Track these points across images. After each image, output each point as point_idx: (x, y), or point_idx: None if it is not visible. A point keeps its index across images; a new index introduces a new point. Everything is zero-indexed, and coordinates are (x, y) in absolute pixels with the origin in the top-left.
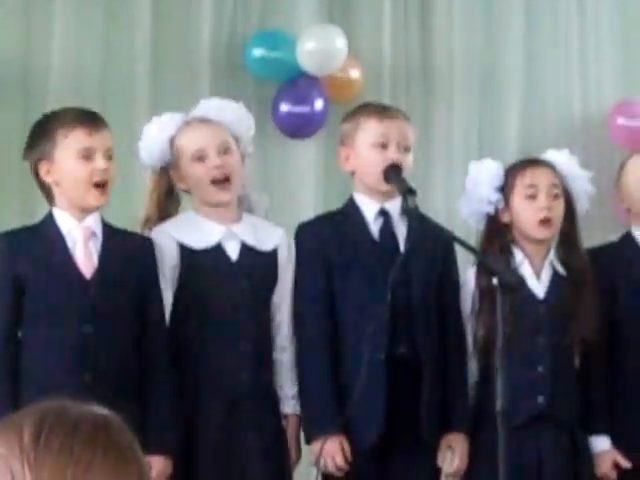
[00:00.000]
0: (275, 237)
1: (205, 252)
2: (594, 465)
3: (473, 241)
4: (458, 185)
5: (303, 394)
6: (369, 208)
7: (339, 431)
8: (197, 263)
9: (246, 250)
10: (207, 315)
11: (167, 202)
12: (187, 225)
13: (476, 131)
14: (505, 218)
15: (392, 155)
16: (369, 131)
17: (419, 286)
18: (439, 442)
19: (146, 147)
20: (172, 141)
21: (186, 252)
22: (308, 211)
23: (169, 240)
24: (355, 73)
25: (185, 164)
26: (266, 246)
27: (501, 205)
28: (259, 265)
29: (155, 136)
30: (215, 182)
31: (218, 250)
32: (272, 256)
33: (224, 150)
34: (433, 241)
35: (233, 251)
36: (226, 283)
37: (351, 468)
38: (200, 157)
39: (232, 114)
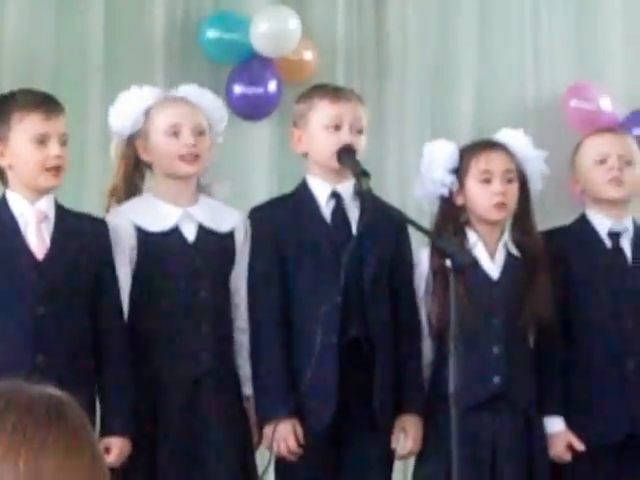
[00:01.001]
0: (232, 219)
1: (162, 235)
2: (548, 446)
3: (426, 223)
4: (411, 167)
5: (255, 377)
6: (321, 190)
7: (292, 415)
8: (154, 245)
9: (203, 232)
10: (165, 297)
11: (134, 173)
12: (144, 207)
13: (429, 113)
14: (459, 200)
15: (345, 137)
16: (322, 112)
17: (371, 268)
18: (393, 424)
19: (120, 112)
20: (147, 112)
21: (143, 234)
22: (262, 192)
23: (126, 222)
24: (309, 55)
25: (157, 135)
26: (223, 228)
27: (455, 187)
28: (216, 246)
29: (132, 103)
30: (183, 158)
31: (175, 232)
32: (229, 237)
33: (199, 132)
34: (386, 223)
35: (190, 233)
36: (184, 265)
37: (304, 452)
38: (174, 132)
39: (209, 102)
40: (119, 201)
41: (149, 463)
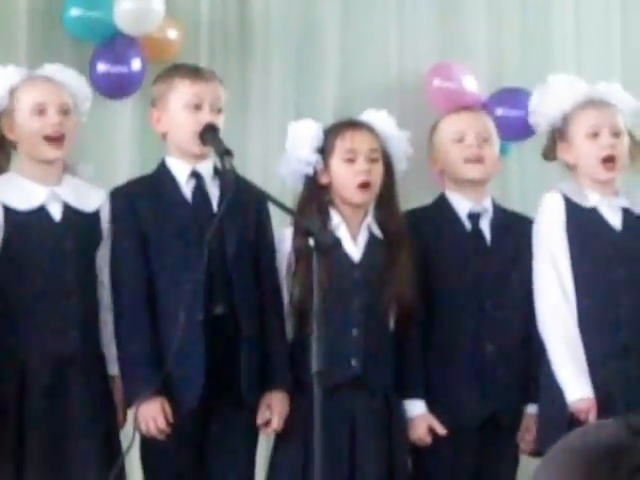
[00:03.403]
0: (97, 198)
1: (28, 213)
2: (409, 429)
3: (288, 202)
4: (275, 146)
5: (121, 358)
6: (180, 170)
7: (159, 393)
8: (21, 224)
9: (69, 211)
10: (32, 276)
11: None
12: (10, 186)
13: (293, 92)
14: (324, 179)
15: (205, 117)
16: (182, 93)
17: (233, 247)
18: (260, 401)
19: None
20: (12, 91)
21: (10, 213)
22: (125, 171)
23: None
24: (173, 33)
25: (22, 114)
26: (88, 207)
27: (320, 166)
28: (82, 226)
29: None
30: (48, 139)
31: (41, 211)
32: (95, 217)
33: (64, 111)
34: (247, 202)
35: (56, 212)
36: (50, 244)
37: (173, 430)
38: (40, 111)
39: (74, 81)
40: None
41: (15, 444)
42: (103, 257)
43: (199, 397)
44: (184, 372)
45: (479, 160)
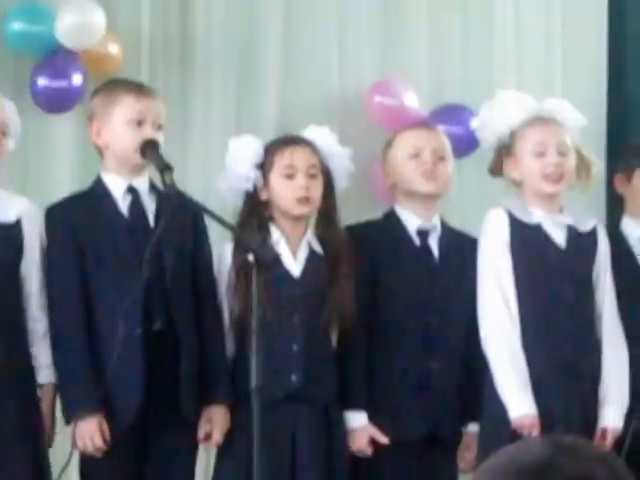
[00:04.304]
0: (17, 207)
1: None
2: (350, 441)
3: (228, 218)
4: (215, 162)
5: (58, 375)
6: (117, 186)
7: (97, 411)
8: None
9: None
10: None
11: None
12: None
13: (234, 108)
14: (264, 195)
15: (148, 132)
16: (126, 108)
17: (172, 262)
18: (200, 415)
19: None
20: None
21: None
22: (65, 186)
23: None
24: (114, 48)
25: None
26: (8, 217)
27: (260, 182)
28: (3, 238)
29: None
30: None
31: None
32: (16, 227)
33: (2, 132)
34: (184, 217)
35: None
36: None
37: (112, 446)
38: None
39: (13, 112)
40: None
41: None
42: (28, 266)
43: (138, 412)
44: (122, 387)
45: (432, 177)
